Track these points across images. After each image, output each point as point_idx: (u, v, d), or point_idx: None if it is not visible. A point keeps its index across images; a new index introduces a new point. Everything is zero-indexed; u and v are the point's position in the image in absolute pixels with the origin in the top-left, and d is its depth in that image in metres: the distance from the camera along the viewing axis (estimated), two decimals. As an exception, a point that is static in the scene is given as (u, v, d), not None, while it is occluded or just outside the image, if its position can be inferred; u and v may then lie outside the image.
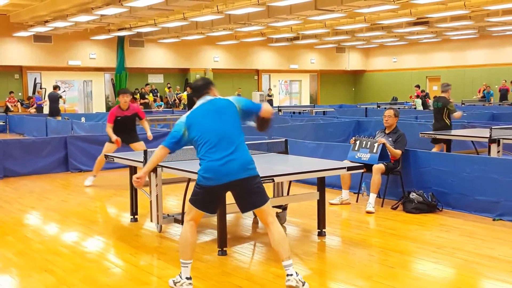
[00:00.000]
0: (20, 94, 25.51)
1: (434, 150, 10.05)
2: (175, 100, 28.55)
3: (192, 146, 4.43)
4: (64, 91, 26.03)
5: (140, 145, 8.89)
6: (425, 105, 23.25)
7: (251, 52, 31.61)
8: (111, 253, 5.64)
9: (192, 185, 4.53)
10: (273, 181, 5.23)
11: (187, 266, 4.35)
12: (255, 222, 6.62)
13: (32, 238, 6.10)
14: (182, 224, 4.49)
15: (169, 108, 25.96)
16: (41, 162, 10.58)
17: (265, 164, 5.74)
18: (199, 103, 4.44)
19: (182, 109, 26.33)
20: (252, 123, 4.60)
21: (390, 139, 7.50)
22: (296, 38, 29.03)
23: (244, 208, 4.41)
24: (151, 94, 27.47)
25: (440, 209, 7.02)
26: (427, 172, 7.36)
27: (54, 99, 19.53)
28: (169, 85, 29.11)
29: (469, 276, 4.72)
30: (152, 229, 6.37)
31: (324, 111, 20.46)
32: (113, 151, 8.49)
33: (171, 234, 6.18)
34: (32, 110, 23.32)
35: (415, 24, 23.50)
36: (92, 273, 4.91)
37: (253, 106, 4.50)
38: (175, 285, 4.39)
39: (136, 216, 6.80)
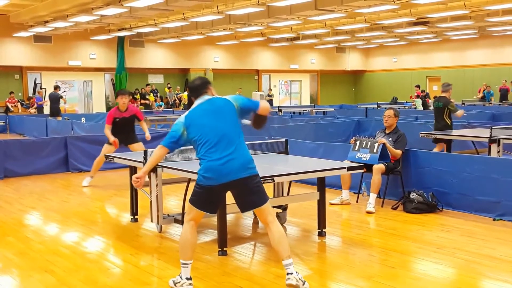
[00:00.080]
0: (20, 94, 25.52)
1: (436, 149, 10.06)
2: (175, 100, 28.55)
3: (191, 146, 4.43)
4: (64, 91, 26.03)
5: (138, 146, 8.89)
6: (425, 105, 23.24)
7: (251, 52, 31.61)
8: (111, 253, 5.64)
9: (192, 185, 4.53)
10: (273, 181, 5.23)
11: (187, 267, 4.35)
12: (255, 222, 6.62)
13: (32, 238, 6.10)
14: (182, 224, 4.49)
15: (169, 108, 25.96)
16: (42, 162, 10.58)
17: (265, 164, 5.74)
18: (197, 102, 4.43)
19: (182, 109, 26.34)
20: (247, 121, 4.59)
21: (390, 139, 7.49)
22: (296, 38, 29.04)
23: (244, 208, 4.42)
24: (151, 94, 27.47)
25: (441, 209, 7.02)
26: (427, 172, 7.36)
27: (55, 99, 19.54)
28: (169, 85, 29.11)
29: (469, 276, 4.72)
30: (152, 229, 6.37)
31: (324, 111, 20.46)
32: (112, 152, 8.49)
33: (171, 234, 6.18)
34: (33, 110, 23.33)
35: (415, 24, 23.50)
36: (93, 273, 4.91)
37: (251, 104, 4.50)
38: (175, 285, 4.39)
39: (136, 216, 6.80)
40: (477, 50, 30.53)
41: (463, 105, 22.39)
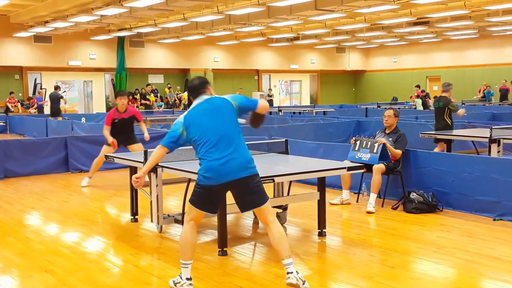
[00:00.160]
0: (20, 94, 25.52)
1: (436, 149, 10.07)
2: (175, 100, 28.56)
3: (191, 146, 4.43)
4: (64, 91, 26.03)
5: (138, 147, 8.89)
6: (425, 105, 23.24)
7: (251, 52, 31.61)
8: (112, 253, 5.64)
9: (192, 185, 4.52)
10: (274, 181, 5.23)
11: (187, 267, 4.34)
12: (256, 222, 6.62)
13: (32, 238, 6.10)
14: (182, 224, 4.49)
15: (169, 109, 25.96)
16: (42, 162, 10.58)
17: (266, 164, 5.74)
18: (196, 102, 4.43)
19: (182, 109, 26.33)
20: (242, 120, 4.59)
21: (390, 139, 7.49)
22: (296, 38, 29.03)
23: (244, 208, 4.42)
24: (152, 95, 27.49)
25: (441, 209, 7.02)
26: (427, 172, 7.36)
27: (55, 99, 19.55)
28: (169, 86, 29.11)
29: (470, 276, 4.72)
30: (152, 229, 6.37)
31: (324, 111, 20.46)
32: (111, 153, 8.50)
33: (172, 234, 6.18)
34: (33, 110, 23.33)
35: (415, 24, 23.49)
36: (93, 273, 4.91)
37: (249, 103, 4.50)
38: (175, 285, 4.39)
39: (136, 217, 6.80)
40: (477, 50, 30.52)
41: (463, 105, 22.38)
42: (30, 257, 5.42)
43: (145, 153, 5.91)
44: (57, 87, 20.42)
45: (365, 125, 14.77)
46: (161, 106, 27.18)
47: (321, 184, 5.91)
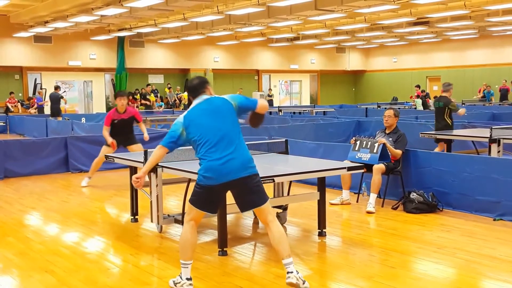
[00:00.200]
0: (20, 94, 25.52)
1: (437, 149, 10.06)
2: (175, 100, 28.56)
3: (191, 146, 4.43)
4: (65, 91, 26.03)
5: (137, 147, 8.90)
6: (425, 105, 23.24)
7: (251, 53, 31.61)
8: (112, 253, 5.63)
9: (192, 185, 4.52)
10: (274, 181, 5.23)
11: (187, 267, 4.34)
12: (256, 223, 6.62)
13: (32, 238, 6.10)
14: (182, 224, 4.49)
15: (169, 109, 25.97)
16: (42, 162, 10.58)
17: (266, 164, 5.74)
18: (195, 102, 4.43)
19: (182, 109, 26.33)
20: (241, 120, 4.59)
21: (390, 139, 7.49)
22: (296, 38, 29.03)
23: (244, 207, 4.41)
24: (152, 95, 27.50)
25: (441, 209, 7.02)
26: (427, 172, 7.35)
27: (56, 99, 19.55)
28: (169, 86, 29.11)
29: (470, 276, 4.72)
30: (152, 229, 6.37)
31: (324, 111, 20.46)
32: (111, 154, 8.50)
33: (172, 234, 6.18)
34: (33, 110, 23.34)
35: (415, 24, 23.49)
36: (93, 273, 4.91)
37: (249, 103, 4.50)
38: (175, 285, 4.39)
39: (136, 217, 6.79)
40: (477, 50, 30.52)
41: (463, 105, 22.37)
42: (30, 257, 5.42)
43: (145, 153, 5.91)
44: (57, 87, 20.42)
45: (365, 125, 14.77)
46: (161, 106, 27.18)
47: (321, 184, 5.90)
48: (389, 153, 7.34)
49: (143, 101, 26.93)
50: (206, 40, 27.84)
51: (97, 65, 27.22)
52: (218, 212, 5.11)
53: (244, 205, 4.39)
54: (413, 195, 6.99)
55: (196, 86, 4.48)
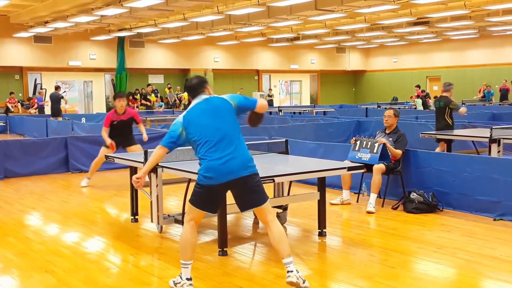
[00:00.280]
0: (20, 94, 25.52)
1: (438, 149, 10.06)
2: (175, 100, 28.57)
3: (191, 146, 4.43)
4: (65, 91, 26.03)
5: (136, 148, 8.90)
6: (425, 105, 23.24)
7: (251, 53, 31.61)
8: (112, 253, 5.63)
9: (192, 185, 4.52)
10: (274, 181, 5.23)
11: (187, 267, 4.34)
12: (256, 223, 6.62)
13: (32, 238, 6.10)
14: (183, 224, 4.49)
15: (170, 109, 25.98)
16: (42, 162, 10.58)
17: (266, 164, 5.74)
18: (194, 102, 4.43)
19: (182, 109, 26.33)
20: None
21: (390, 139, 7.49)
22: (296, 39, 29.03)
23: (243, 207, 4.41)
24: (153, 95, 27.52)
25: (441, 209, 7.01)
26: (427, 172, 7.35)
27: (56, 99, 19.56)
28: (169, 86, 29.12)
29: (470, 276, 4.72)
30: (152, 229, 6.37)
31: (324, 111, 20.46)
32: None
33: (172, 234, 6.18)
34: (33, 110, 23.34)
35: (415, 24, 23.49)
36: (93, 273, 4.91)
37: (248, 103, 4.50)
38: (175, 285, 4.39)
39: (136, 217, 6.79)
40: (477, 50, 30.52)
41: (463, 105, 22.36)
42: (30, 257, 5.41)
43: (145, 153, 5.91)
44: (57, 87, 20.42)
45: (365, 125, 14.77)
46: (161, 106, 27.19)
47: (321, 184, 5.90)
48: (389, 153, 7.34)
49: (143, 101, 26.93)
50: (206, 40, 27.84)
51: (97, 65, 27.22)
52: (218, 212, 5.11)
53: (244, 205, 4.39)
54: (413, 195, 6.99)
55: (195, 86, 4.48)
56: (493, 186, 6.61)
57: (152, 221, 6.17)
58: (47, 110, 21.44)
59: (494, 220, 6.52)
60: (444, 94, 10.49)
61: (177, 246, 5.05)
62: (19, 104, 24.86)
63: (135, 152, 8.42)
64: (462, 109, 10.50)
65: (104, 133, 8.86)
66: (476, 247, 5.48)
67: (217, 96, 4.48)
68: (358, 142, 7.52)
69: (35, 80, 25.90)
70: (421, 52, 33.22)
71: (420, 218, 6.72)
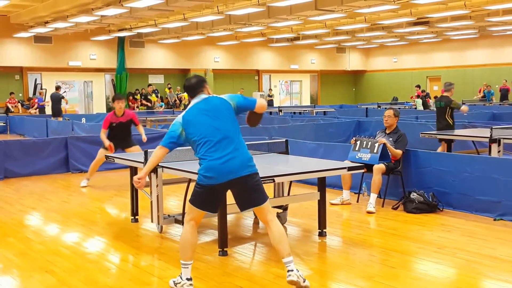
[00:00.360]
0: (20, 95, 25.52)
1: (440, 148, 10.05)
2: (175, 100, 28.58)
3: (190, 146, 4.43)
4: (65, 91, 26.03)
5: (135, 149, 8.91)
6: (425, 105, 23.24)
7: (251, 53, 31.62)
8: (112, 253, 5.63)
9: (192, 185, 4.52)
10: (274, 181, 5.23)
11: (187, 267, 4.34)
12: (256, 223, 6.62)
13: (32, 238, 6.10)
14: (183, 224, 4.49)
15: (170, 109, 25.99)
16: (42, 163, 10.58)
17: (266, 164, 5.74)
18: (193, 102, 4.43)
19: (182, 109, 26.33)
20: None
21: (390, 139, 7.49)
22: (297, 39, 29.03)
23: (244, 206, 4.41)
24: (153, 95, 27.52)
25: (441, 209, 7.01)
26: (427, 172, 7.35)
27: (56, 99, 19.56)
28: (169, 86, 29.12)
29: (470, 276, 4.72)
30: (152, 229, 6.37)
31: (324, 111, 20.46)
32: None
33: (172, 234, 6.17)
34: (33, 111, 23.35)
35: (416, 24, 23.49)
36: (93, 273, 4.91)
37: (247, 103, 4.50)
38: (175, 285, 4.39)
39: (136, 217, 6.79)
40: (477, 50, 30.53)
41: (464, 105, 22.35)
42: (31, 257, 5.41)
43: (145, 153, 5.91)
44: (58, 87, 20.42)
45: (365, 125, 14.77)
46: (161, 106, 27.20)
47: (322, 184, 5.90)
48: (389, 153, 7.33)
49: (144, 102, 26.93)
50: (206, 40, 27.85)
51: (97, 65, 27.22)
52: (219, 212, 5.11)
53: (244, 204, 4.39)
54: (414, 195, 6.99)
55: (194, 85, 4.48)
56: (493, 186, 6.61)
57: (152, 221, 6.17)
58: (48, 110, 21.45)
59: (494, 220, 6.52)
60: (445, 94, 10.48)
61: (177, 246, 5.05)
62: (19, 104, 24.87)
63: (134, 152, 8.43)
64: (464, 108, 10.49)
65: (103, 135, 8.87)
66: (476, 247, 5.48)
67: (216, 96, 4.48)
68: (358, 142, 7.52)
69: (35, 80, 25.91)
70: (421, 52, 33.23)
71: (420, 218, 6.72)
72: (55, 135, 15.29)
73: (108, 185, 9.34)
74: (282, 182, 6.41)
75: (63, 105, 20.92)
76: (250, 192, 4.30)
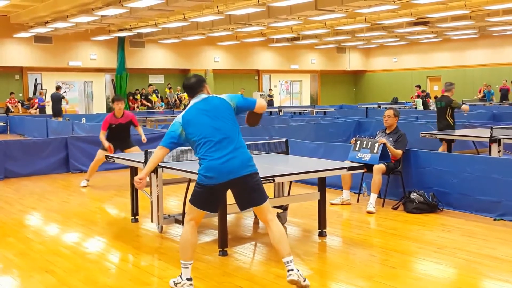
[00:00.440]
0: (20, 95, 25.52)
1: (441, 148, 10.04)
2: (175, 100, 28.58)
3: (190, 146, 4.43)
4: (65, 91, 26.02)
5: (134, 150, 8.91)
6: (425, 105, 23.24)
7: (251, 53, 31.61)
8: (112, 253, 5.63)
9: (192, 185, 4.52)
10: (274, 181, 5.23)
11: (187, 267, 4.34)
12: (256, 223, 6.62)
13: (33, 239, 6.10)
14: (183, 224, 4.49)
15: (170, 109, 26.00)
16: (42, 163, 10.58)
17: (266, 165, 5.74)
18: (193, 101, 4.43)
19: (182, 109, 26.31)
20: None
21: (390, 139, 7.49)
22: (297, 39, 29.03)
23: (244, 206, 4.41)
24: (154, 95, 27.52)
25: (441, 209, 7.01)
26: (428, 172, 7.35)
27: (57, 99, 19.56)
28: (169, 86, 29.13)
29: (470, 276, 4.72)
30: (152, 229, 6.37)
31: (324, 111, 20.46)
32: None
33: (172, 234, 6.17)
34: (33, 111, 23.34)
35: (416, 24, 23.49)
36: (93, 273, 4.91)
37: (247, 103, 4.51)
38: (175, 285, 4.39)
39: (136, 217, 6.79)
40: (477, 50, 30.52)
41: (464, 104, 22.34)
42: (31, 257, 5.41)
43: (145, 153, 5.91)
44: (58, 87, 20.42)
45: (365, 125, 14.77)
46: (161, 106, 27.20)
47: (322, 184, 5.90)
48: (390, 153, 7.33)
49: (144, 102, 26.92)
50: (206, 40, 27.84)
51: (98, 65, 27.22)
52: (219, 212, 5.12)
53: (244, 204, 4.39)
54: (414, 195, 6.99)
55: (193, 85, 4.48)
56: (493, 186, 6.61)
57: (152, 221, 6.17)
58: (49, 110, 21.45)
59: (495, 220, 6.52)
60: (446, 94, 10.47)
61: (177, 246, 5.05)
62: (19, 104, 24.87)
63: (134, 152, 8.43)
64: (465, 107, 10.48)
65: (102, 136, 8.88)
66: (477, 247, 5.48)
67: (216, 95, 4.48)
68: (358, 142, 7.52)
69: (35, 80, 25.91)
70: (421, 52, 33.22)
71: (420, 218, 6.72)
72: (55, 135, 15.29)
73: (108, 185, 9.34)
74: (282, 182, 6.41)
75: (64, 105, 20.92)
76: (250, 192, 4.30)
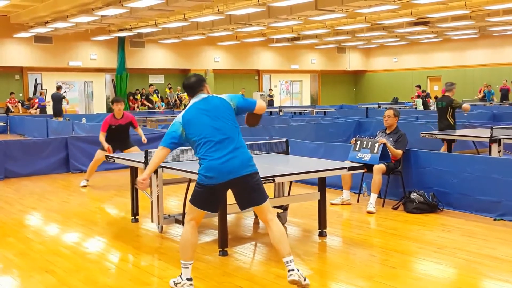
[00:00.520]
0: (20, 95, 25.52)
1: (442, 148, 10.04)
2: (175, 100, 28.58)
3: (191, 146, 4.43)
4: (65, 91, 26.01)
5: (134, 150, 8.91)
6: (426, 105, 23.23)
7: (251, 53, 31.61)
8: (112, 253, 5.63)
9: (192, 185, 4.52)
10: (274, 181, 5.23)
11: (187, 267, 4.34)
12: (256, 223, 6.62)
13: (33, 239, 6.10)
14: (183, 224, 4.49)
15: (170, 109, 26.00)
16: (42, 163, 10.58)
17: (266, 165, 5.74)
18: (193, 101, 4.43)
19: (182, 109, 26.29)
20: None
21: (391, 139, 7.49)
22: (297, 39, 29.03)
23: (244, 206, 4.41)
24: (155, 95, 27.52)
25: (441, 209, 7.01)
26: (428, 172, 7.35)
27: (57, 99, 19.56)
28: (169, 86, 29.13)
29: (470, 276, 4.72)
30: (153, 229, 6.37)
31: (325, 111, 20.46)
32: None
33: (172, 234, 6.17)
34: (33, 111, 23.34)
35: (416, 24, 23.49)
36: (93, 273, 4.91)
37: (247, 104, 4.51)
38: (175, 285, 4.39)
39: (137, 217, 6.79)
40: (478, 50, 30.52)
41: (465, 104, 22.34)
42: (31, 257, 5.41)
43: (146, 153, 5.91)
44: (59, 87, 20.44)
45: (365, 125, 14.77)
46: (162, 106, 27.21)
47: (322, 184, 5.90)
48: (390, 153, 7.33)
49: (145, 102, 26.91)
50: (206, 40, 27.85)
51: (98, 65, 27.23)
52: (219, 212, 5.12)
53: (244, 204, 4.39)
54: (414, 195, 6.99)
55: (193, 84, 4.47)
56: (493, 186, 6.61)
57: (152, 221, 6.17)
58: (49, 110, 21.45)
59: (495, 220, 6.51)
60: (447, 94, 10.45)
61: (178, 246, 5.05)
62: (19, 104, 24.87)
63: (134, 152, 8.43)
64: (466, 106, 10.47)
65: (102, 138, 8.88)
66: (477, 247, 5.48)
67: (216, 95, 4.48)
68: (358, 142, 7.52)
69: (36, 80, 25.91)
70: (421, 52, 33.22)
71: (420, 218, 6.72)
72: (55, 135, 15.29)
73: (108, 185, 9.35)
74: (283, 182, 6.40)
75: (64, 105, 20.92)
76: (250, 192, 4.30)
